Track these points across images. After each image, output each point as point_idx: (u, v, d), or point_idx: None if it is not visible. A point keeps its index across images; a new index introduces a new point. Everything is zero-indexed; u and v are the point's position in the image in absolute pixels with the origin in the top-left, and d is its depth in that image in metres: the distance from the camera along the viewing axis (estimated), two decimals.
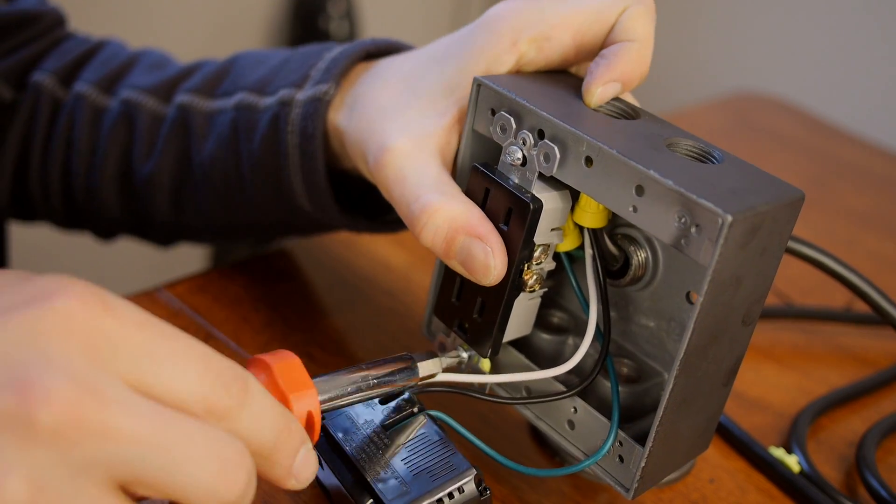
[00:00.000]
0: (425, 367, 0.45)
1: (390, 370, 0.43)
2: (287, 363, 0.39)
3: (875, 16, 1.61)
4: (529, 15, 0.49)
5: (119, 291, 0.61)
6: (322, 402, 0.40)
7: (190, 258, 1.53)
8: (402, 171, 0.47)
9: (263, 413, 0.34)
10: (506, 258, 0.44)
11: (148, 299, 0.59)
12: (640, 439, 0.43)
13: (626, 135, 0.42)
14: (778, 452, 0.55)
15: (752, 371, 0.63)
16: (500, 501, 0.49)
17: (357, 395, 0.42)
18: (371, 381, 0.42)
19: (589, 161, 0.41)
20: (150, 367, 0.32)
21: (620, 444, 0.44)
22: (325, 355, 0.57)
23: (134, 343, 0.32)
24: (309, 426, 0.38)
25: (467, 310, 0.47)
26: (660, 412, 0.41)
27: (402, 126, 0.49)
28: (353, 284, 0.64)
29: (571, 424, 0.47)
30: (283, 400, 0.38)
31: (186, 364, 0.33)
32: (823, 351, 0.67)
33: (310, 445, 0.36)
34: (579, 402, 0.46)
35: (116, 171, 0.64)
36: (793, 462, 0.54)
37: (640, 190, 0.40)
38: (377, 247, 0.69)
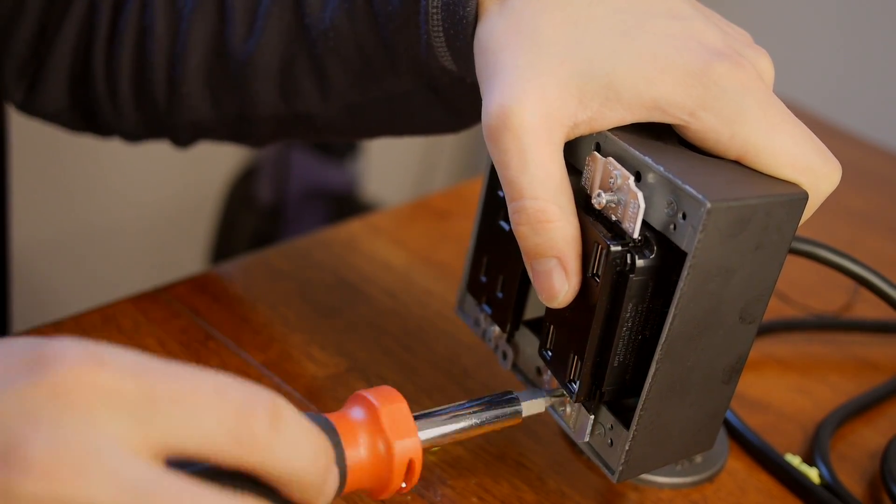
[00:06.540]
0: (530, 407, 0.46)
1: (495, 413, 0.44)
2: (394, 406, 0.40)
3: (875, 16, 1.62)
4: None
5: (119, 291, 0.61)
6: (423, 444, 0.41)
7: (190, 258, 1.53)
8: (524, 152, 0.40)
9: (299, 438, 0.32)
10: (574, 295, 0.42)
11: (148, 299, 0.59)
12: (629, 424, 0.44)
13: (640, 127, 0.43)
14: (795, 461, 0.54)
15: (753, 373, 0.63)
16: (500, 501, 0.49)
17: (458, 436, 0.43)
18: (473, 423, 0.44)
19: (598, 147, 0.43)
20: (155, 418, 0.30)
21: (611, 427, 0.44)
22: (324, 355, 0.57)
23: (131, 396, 0.30)
24: (409, 471, 0.40)
25: (492, 287, 0.49)
26: (643, 396, 0.42)
27: (541, 87, 0.41)
28: (353, 284, 0.64)
29: None
30: (387, 445, 0.39)
31: (195, 403, 0.31)
32: (823, 351, 0.67)
33: (335, 468, 0.36)
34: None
35: (204, 59, 0.54)
36: (813, 474, 0.54)
37: (638, 176, 0.41)
38: (377, 247, 0.69)
